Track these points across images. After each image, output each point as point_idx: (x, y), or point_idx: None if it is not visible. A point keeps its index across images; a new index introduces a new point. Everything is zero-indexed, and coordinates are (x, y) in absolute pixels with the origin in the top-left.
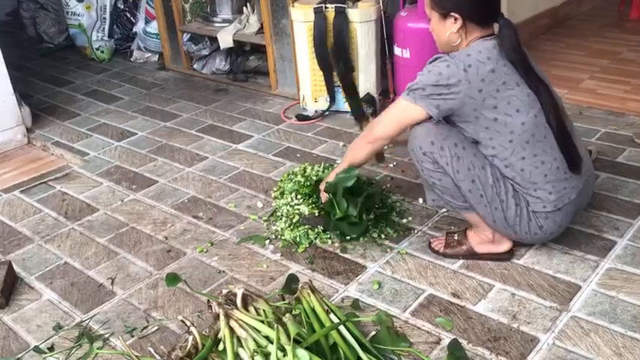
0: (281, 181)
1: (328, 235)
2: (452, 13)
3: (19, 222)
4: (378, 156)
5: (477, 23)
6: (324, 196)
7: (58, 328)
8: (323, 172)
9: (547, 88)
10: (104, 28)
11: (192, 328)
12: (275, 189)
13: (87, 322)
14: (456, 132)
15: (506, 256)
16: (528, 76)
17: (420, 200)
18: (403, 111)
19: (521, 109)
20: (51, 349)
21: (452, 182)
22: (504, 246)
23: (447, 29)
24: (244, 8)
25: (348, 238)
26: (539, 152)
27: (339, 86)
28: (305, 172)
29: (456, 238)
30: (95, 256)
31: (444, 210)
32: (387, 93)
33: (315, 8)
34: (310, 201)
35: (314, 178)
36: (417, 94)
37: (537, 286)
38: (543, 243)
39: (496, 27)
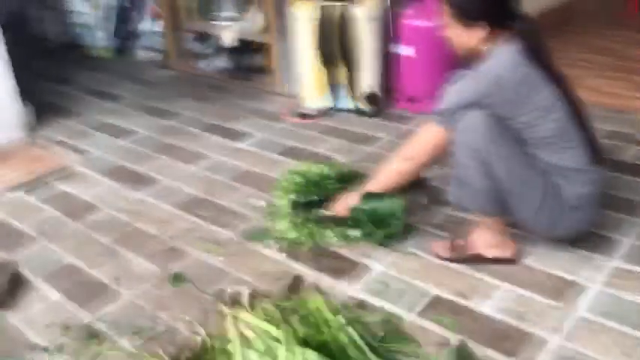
0: (284, 179)
1: (333, 235)
2: (479, 22)
3: (23, 221)
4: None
5: (500, 27)
6: (341, 212)
7: (64, 328)
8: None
9: (567, 83)
10: (109, 26)
11: (199, 329)
12: (278, 188)
13: (93, 322)
14: (508, 129)
15: (512, 259)
16: (551, 74)
17: (425, 199)
18: (438, 135)
19: (549, 110)
20: (56, 349)
21: (491, 186)
22: (510, 250)
23: (473, 38)
24: (248, 6)
25: (353, 237)
26: (568, 147)
27: (342, 84)
28: (308, 170)
29: (461, 242)
30: (99, 256)
31: (448, 209)
32: (390, 91)
33: (319, 6)
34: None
35: (317, 177)
36: (450, 120)
37: (544, 286)
38: (549, 243)
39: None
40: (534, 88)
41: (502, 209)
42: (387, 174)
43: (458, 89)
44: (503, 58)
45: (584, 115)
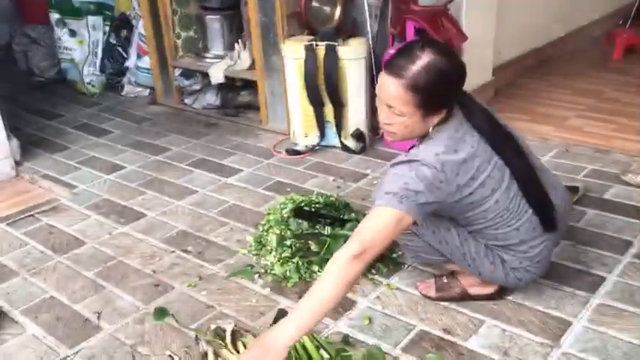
0: (269, 214)
1: (318, 270)
2: (441, 109)
3: (5, 255)
4: None
5: (451, 108)
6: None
7: None
8: (309, 203)
9: (514, 146)
10: (96, 62)
11: None
12: (264, 222)
13: (72, 357)
14: (447, 216)
15: (498, 295)
16: (495, 142)
17: None
18: (396, 222)
19: (495, 186)
20: None
21: (422, 242)
22: (495, 287)
23: (427, 125)
24: (236, 44)
25: None
26: (514, 221)
27: (328, 122)
28: (293, 202)
29: (445, 280)
30: (82, 290)
31: None
32: (376, 129)
33: (305, 45)
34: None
35: (305, 203)
36: (410, 202)
37: (528, 322)
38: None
39: None
40: (478, 169)
41: None
42: (329, 292)
43: (413, 175)
44: (444, 144)
45: (535, 179)
